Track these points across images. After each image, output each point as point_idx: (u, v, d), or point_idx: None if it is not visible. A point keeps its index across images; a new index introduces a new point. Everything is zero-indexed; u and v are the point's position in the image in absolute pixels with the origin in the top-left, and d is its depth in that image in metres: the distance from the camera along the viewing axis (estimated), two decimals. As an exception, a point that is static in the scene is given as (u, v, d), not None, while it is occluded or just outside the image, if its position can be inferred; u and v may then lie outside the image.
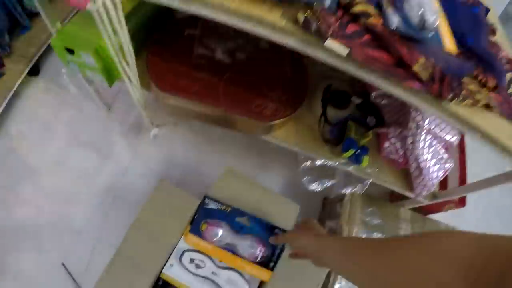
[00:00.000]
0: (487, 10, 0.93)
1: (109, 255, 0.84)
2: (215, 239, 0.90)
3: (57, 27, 0.91)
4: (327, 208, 1.24)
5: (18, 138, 1.29)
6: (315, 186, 1.03)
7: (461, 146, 1.19)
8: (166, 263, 0.92)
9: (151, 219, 0.90)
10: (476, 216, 1.66)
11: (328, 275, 0.96)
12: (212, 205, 0.93)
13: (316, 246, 0.64)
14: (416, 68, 0.73)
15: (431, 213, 1.22)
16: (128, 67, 0.85)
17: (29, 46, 1.34)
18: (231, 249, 0.88)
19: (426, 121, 1.04)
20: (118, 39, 0.77)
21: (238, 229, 0.90)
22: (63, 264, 1.18)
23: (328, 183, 1.05)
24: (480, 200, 1.70)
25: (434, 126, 1.05)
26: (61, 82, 1.33)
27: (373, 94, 1.09)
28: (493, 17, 0.95)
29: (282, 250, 0.88)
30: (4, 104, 1.24)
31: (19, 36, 1.35)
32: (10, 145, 1.28)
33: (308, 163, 0.93)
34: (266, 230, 0.90)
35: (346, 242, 0.59)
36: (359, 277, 0.50)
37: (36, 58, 1.35)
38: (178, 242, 0.90)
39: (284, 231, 0.90)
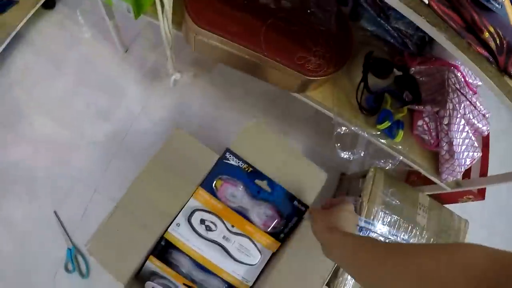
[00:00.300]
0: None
1: (106, 209, 0.77)
2: (228, 199, 0.83)
3: None
4: (345, 184, 1.18)
5: (24, 73, 1.17)
6: (347, 155, 0.97)
7: (486, 139, 1.15)
8: (172, 222, 0.85)
9: (161, 170, 0.81)
10: (490, 212, 1.64)
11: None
12: (232, 161, 0.86)
13: (327, 238, 0.63)
14: (485, 35, 0.69)
15: (446, 203, 1.18)
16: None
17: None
18: (243, 213, 0.82)
19: (462, 105, 1.00)
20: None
21: (255, 193, 0.83)
22: (55, 213, 1.09)
23: (361, 153, 0.99)
24: (496, 197, 1.68)
25: (468, 112, 1.01)
26: (77, 19, 1.23)
27: (412, 69, 1.03)
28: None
29: (296, 225, 0.82)
30: (12, 34, 1.12)
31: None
32: (14, 78, 1.16)
33: (343, 129, 0.87)
34: (284, 199, 0.83)
35: (358, 241, 0.57)
36: (368, 279, 0.50)
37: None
38: (188, 200, 0.83)
39: (303, 204, 0.83)
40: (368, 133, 0.90)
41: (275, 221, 0.81)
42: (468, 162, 1.01)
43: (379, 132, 0.93)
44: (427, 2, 0.63)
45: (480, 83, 1.08)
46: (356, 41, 0.97)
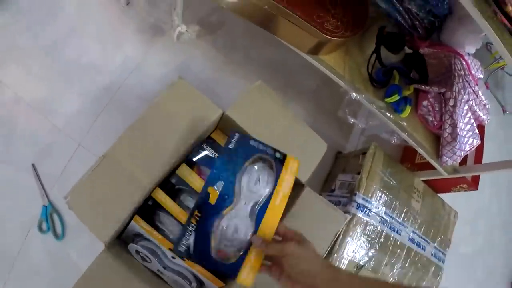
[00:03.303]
0: None
1: (89, 165, 0.66)
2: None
3: None
4: (341, 162, 1.11)
5: (16, 13, 1.02)
6: (358, 121, 0.89)
7: (482, 132, 1.11)
8: (166, 179, 0.76)
9: (158, 119, 0.71)
10: (474, 211, 1.62)
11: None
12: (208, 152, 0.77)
13: (330, 280, 0.49)
14: (509, 9, 0.66)
15: (439, 192, 1.14)
16: None
17: None
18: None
19: (466, 91, 0.95)
20: None
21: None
22: (33, 166, 0.96)
23: (373, 123, 0.91)
24: (480, 199, 1.66)
25: (471, 99, 0.96)
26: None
27: (421, 50, 0.98)
28: None
29: None
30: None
31: None
32: (4, 21, 1.01)
33: (354, 95, 0.79)
34: None
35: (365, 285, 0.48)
36: None
37: None
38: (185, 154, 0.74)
39: None
40: (376, 106, 0.83)
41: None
42: (467, 148, 0.96)
43: (386, 106, 0.86)
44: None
45: (481, 76, 1.04)
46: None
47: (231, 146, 0.62)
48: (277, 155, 0.62)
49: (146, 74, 1.07)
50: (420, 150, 0.92)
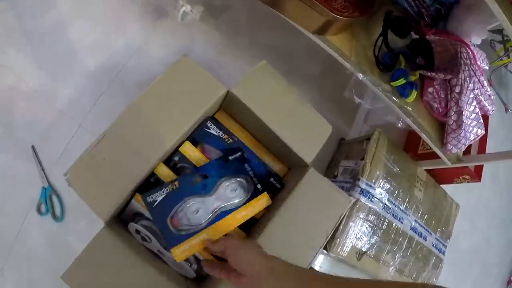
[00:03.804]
0: None
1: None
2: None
3: None
4: (344, 148, 1.09)
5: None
6: (364, 102, 0.87)
7: (486, 121, 1.09)
8: (169, 157, 0.74)
9: (161, 97, 0.68)
10: (474, 208, 1.59)
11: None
12: (213, 131, 0.76)
13: (264, 263, 0.51)
14: None
15: (442, 183, 1.11)
16: None
17: None
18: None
19: (472, 80, 0.93)
20: None
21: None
22: (32, 147, 0.93)
23: (378, 105, 0.89)
24: (479, 196, 1.64)
25: (476, 88, 0.94)
26: None
27: (427, 37, 0.96)
28: None
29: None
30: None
31: None
32: (3, 5, 0.98)
33: (360, 75, 0.77)
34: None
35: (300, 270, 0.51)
36: None
37: None
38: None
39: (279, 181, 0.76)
40: (382, 89, 0.81)
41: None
42: (472, 137, 0.94)
43: (391, 90, 0.84)
44: None
45: (486, 67, 1.02)
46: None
47: (230, 158, 0.72)
48: (259, 186, 0.71)
49: (149, 56, 1.04)
50: (424, 137, 0.90)
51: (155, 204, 0.65)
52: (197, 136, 0.75)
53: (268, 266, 0.51)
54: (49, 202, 0.92)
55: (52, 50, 0.98)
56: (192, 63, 0.72)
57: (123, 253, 0.64)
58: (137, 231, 0.71)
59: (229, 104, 0.77)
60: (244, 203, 0.70)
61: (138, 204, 0.70)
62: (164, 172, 0.69)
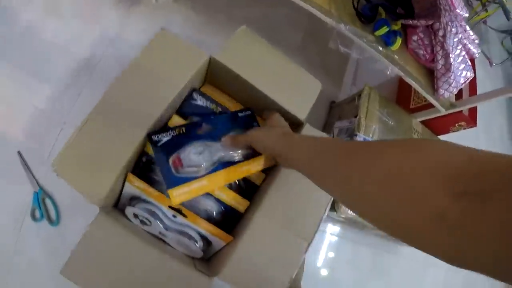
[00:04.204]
0: None
1: None
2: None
3: None
4: (335, 111, 1.06)
5: None
6: (350, 52, 0.84)
7: (473, 64, 1.06)
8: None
9: (142, 73, 0.65)
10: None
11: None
12: (199, 102, 0.72)
13: (284, 145, 0.53)
14: None
15: (438, 133, 1.09)
16: None
17: None
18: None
19: (454, 24, 0.91)
20: None
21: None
22: (19, 153, 0.89)
23: (365, 55, 0.85)
24: (482, 142, 1.62)
25: (460, 32, 0.92)
26: None
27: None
28: None
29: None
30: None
31: None
32: None
33: (343, 26, 0.74)
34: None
35: (319, 141, 0.48)
36: (329, 181, 0.41)
37: None
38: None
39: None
40: (367, 40, 0.78)
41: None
42: (462, 80, 0.92)
43: (375, 39, 0.81)
44: None
45: (466, 14, 1.00)
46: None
47: (240, 115, 0.69)
48: None
49: (127, 43, 1.00)
50: (414, 84, 0.87)
51: (159, 144, 0.61)
52: (184, 110, 0.71)
53: (286, 143, 0.53)
54: (42, 206, 0.88)
55: (28, 52, 0.94)
56: (171, 35, 0.68)
57: (122, 236, 0.61)
58: (135, 215, 0.67)
59: (214, 75, 0.74)
60: (249, 158, 0.66)
61: (131, 186, 0.66)
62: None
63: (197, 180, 0.61)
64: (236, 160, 0.65)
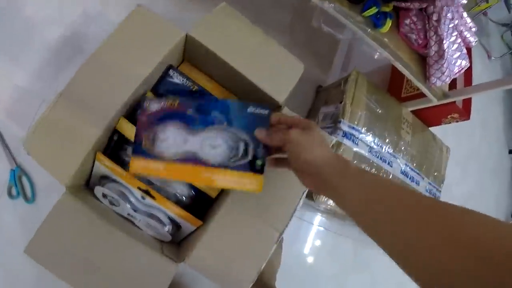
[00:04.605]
0: None
1: None
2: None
3: None
4: (322, 96, 1.01)
5: None
6: (334, 31, 0.78)
7: (469, 53, 1.01)
8: (133, 112, 0.66)
9: (116, 50, 0.60)
10: (464, 152, 1.51)
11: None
12: (176, 79, 0.68)
13: (336, 171, 0.41)
14: None
15: (429, 125, 1.04)
16: None
17: None
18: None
19: (449, 9, 0.85)
20: None
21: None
22: (-1, 133, 0.86)
23: (350, 36, 0.80)
24: (470, 139, 1.56)
25: (456, 18, 0.86)
26: None
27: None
28: None
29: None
30: None
31: None
32: None
33: (327, 4, 0.69)
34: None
35: (381, 181, 0.38)
36: (388, 238, 0.34)
37: None
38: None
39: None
40: (354, 20, 0.73)
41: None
42: (456, 69, 0.87)
43: (364, 20, 0.75)
44: None
45: (464, 1, 0.94)
46: None
47: (251, 110, 0.53)
48: (258, 162, 0.52)
49: (108, 20, 0.96)
50: (404, 71, 0.82)
51: (148, 111, 0.54)
52: (160, 88, 0.67)
53: (339, 170, 0.41)
54: (19, 184, 0.85)
55: (8, 30, 0.91)
56: (147, 12, 0.64)
57: (87, 217, 0.58)
58: (104, 195, 0.64)
59: (191, 53, 0.70)
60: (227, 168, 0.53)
61: (101, 165, 0.63)
62: (127, 128, 0.61)
63: (155, 160, 0.54)
64: (210, 163, 0.53)
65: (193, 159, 0.53)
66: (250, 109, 0.53)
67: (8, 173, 0.85)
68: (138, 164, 0.53)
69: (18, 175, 0.85)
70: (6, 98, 0.87)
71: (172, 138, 0.55)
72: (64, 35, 0.93)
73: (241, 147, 0.53)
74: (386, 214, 0.34)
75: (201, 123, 0.54)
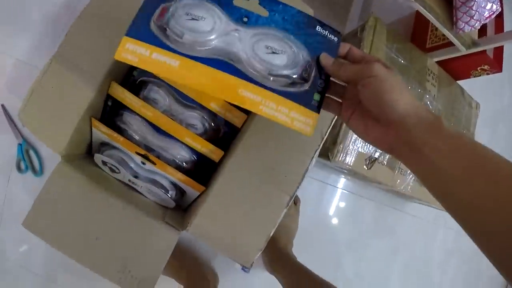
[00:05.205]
0: None
1: None
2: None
3: None
4: None
5: None
6: None
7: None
8: (128, 75, 0.60)
9: (107, 7, 0.54)
10: (493, 113, 1.37)
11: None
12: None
13: (428, 126, 0.32)
14: None
15: (457, 78, 0.92)
16: None
17: None
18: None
19: None
20: None
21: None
22: (2, 106, 0.83)
23: None
24: (499, 99, 1.42)
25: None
26: None
27: None
28: None
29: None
30: None
31: None
32: None
33: None
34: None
35: (484, 150, 0.30)
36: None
37: None
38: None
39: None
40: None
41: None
42: (486, 14, 0.75)
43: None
44: None
45: None
46: None
47: (320, 29, 0.40)
48: (316, 97, 0.38)
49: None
50: (429, 16, 0.71)
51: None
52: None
53: (429, 124, 0.32)
54: (26, 157, 0.83)
55: (3, 4, 0.86)
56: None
57: (83, 186, 0.54)
58: (104, 163, 0.59)
59: None
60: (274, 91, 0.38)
61: (99, 133, 0.58)
62: (120, 93, 0.55)
63: (167, 52, 0.37)
64: (257, 80, 0.37)
65: (227, 64, 0.37)
66: (319, 29, 0.40)
67: (16, 147, 0.83)
68: (131, 48, 0.37)
69: (26, 149, 0.83)
70: (8, 72, 0.84)
71: (199, 23, 0.37)
72: (61, 2, 0.87)
73: (301, 69, 0.38)
74: (488, 187, 0.27)
75: (251, 19, 0.39)
